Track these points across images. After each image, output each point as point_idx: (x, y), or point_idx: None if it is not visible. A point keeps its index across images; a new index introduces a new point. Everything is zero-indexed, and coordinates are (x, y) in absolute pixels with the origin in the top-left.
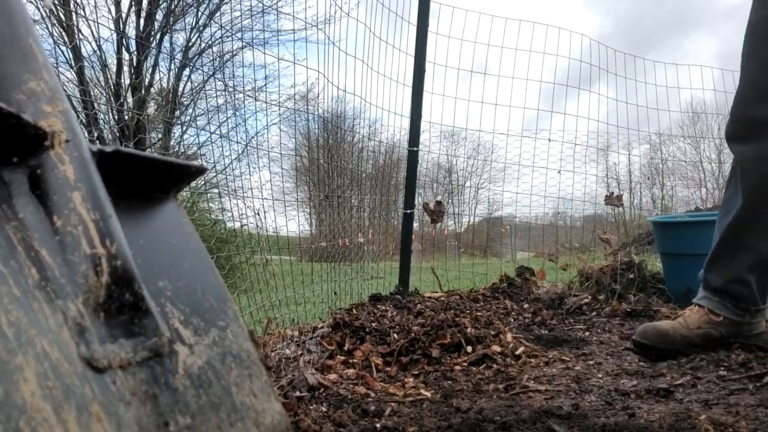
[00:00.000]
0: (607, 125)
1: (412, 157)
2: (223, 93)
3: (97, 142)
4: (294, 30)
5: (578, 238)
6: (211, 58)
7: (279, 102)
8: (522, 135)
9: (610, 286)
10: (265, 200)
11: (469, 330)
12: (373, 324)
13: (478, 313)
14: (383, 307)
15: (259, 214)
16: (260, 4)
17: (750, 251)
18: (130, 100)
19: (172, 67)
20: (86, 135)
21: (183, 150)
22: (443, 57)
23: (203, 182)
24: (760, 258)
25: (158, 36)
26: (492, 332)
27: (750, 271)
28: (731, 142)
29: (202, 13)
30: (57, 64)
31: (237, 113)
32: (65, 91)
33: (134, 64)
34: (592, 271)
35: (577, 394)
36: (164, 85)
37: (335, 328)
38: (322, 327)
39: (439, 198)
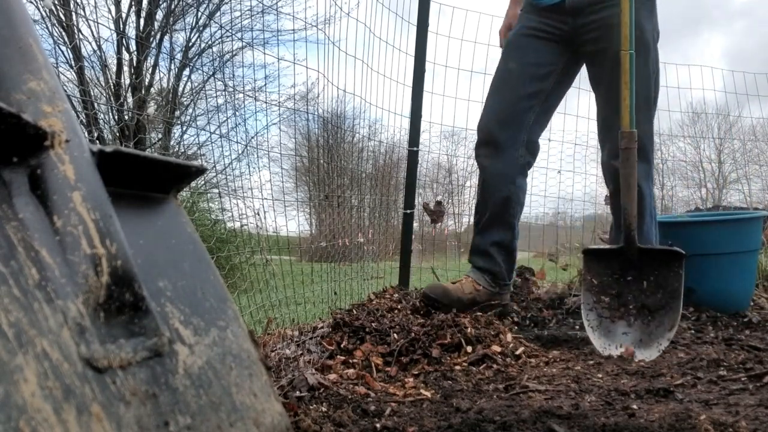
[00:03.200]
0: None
1: (412, 157)
2: (223, 93)
3: (97, 142)
4: (294, 30)
5: (578, 238)
6: (211, 58)
7: (279, 102)
8: None
9: None
10: (264, 200)
11: (469, 330)
12: (373, 324)
13: (478, 313)
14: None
15: (258, 214)
16: (260, 5)
17: (498, 241)
18: (130, 100)
19: (172, 67)
20: (86, 135)
21: (183, 150)
22: (443, 57)
23: (203, 182)
24: (503, 244)
25: (158, 36)
26: (492, 332)
27: (499, 255)
28: (480, 158)
29: (202, 14)
30: (57, 64)
31: (237, 113)
32: (65, 91)
33: (134, 64)
34: None
35: (577, 394)
36: (164, 85)
37: (335, 328)
38: (322, 327)
39: (439, 198)
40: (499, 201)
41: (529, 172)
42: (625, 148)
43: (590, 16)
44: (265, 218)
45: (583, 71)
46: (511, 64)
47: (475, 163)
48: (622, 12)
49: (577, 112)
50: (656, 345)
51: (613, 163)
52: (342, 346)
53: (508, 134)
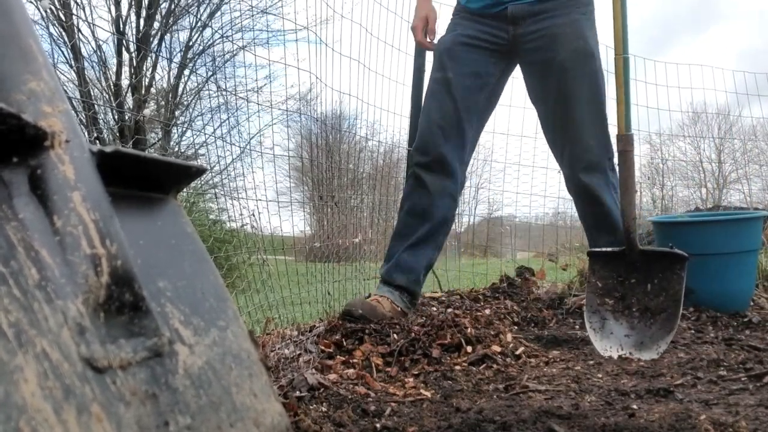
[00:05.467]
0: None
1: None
2: (217, 96)
3: (97, 142)
4: (284, 31)
5: (578, 238)
6: (205, 61)
7: (271, 103)
8: (522, 135)
9: None
10: (259, 201)
11: (469, 330)
12: (372, 324)
13: (478, 313)
14: None
15: (254, 215)
16: (253, 8)
17: (426, 260)
18: (129, 100)
19: (171, 68)
20: (86, 135)
21: (182, 151)
22: None
23: (201, 183)
24: (430, 264)
25: (157, 37)
26: (492, 332)
27: (423, 277)
28: (421, 170)
29: (199, 18)
30: (55, 63)
31: (233, 115)
32: (65, 91)
33: (134, 65)
34: None
35: (577, 394)
36: (163, 85)
37: (334, 328)
38: (320, 327)
39: None
40: (440, 220)
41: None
42: (622, 151)
43: (532, 26)
44: (259, 219)
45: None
46: (450, 73)
47: (475, 163)
48: (613, 18)
49: None
50: (656, 347)
51: (581, 177)
52: (341, 346)
53: (454, 150)
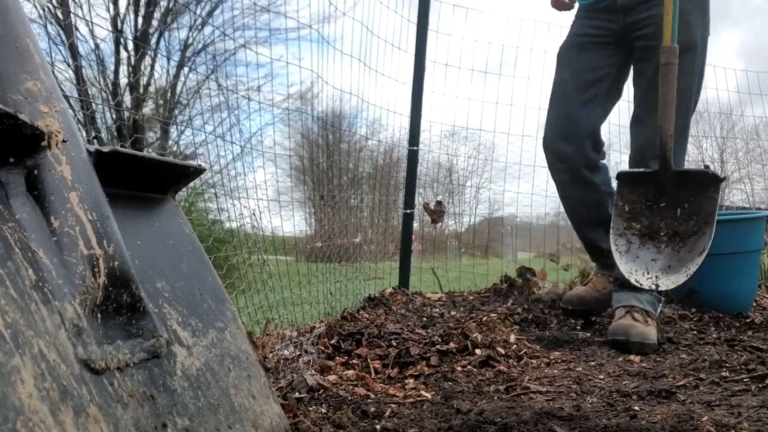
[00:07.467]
0: (609, 124)
1: (412, 157)
2: (218, 93)
3: (95, 141)
4: (287, 29)
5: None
6: (206, 58)
7: (273, 102)
8: (523, 134)
9: None
10: (260, 200)
11: (474, 335)
12: (374, 327)
13: (484, 318)
14: (380, 311)
15: (255, 214)
16: (255, 5)
17: (592, 237)
18: (127, 99)
19: (169, 66)
20: (84, 135)
21: (180, 150)
22: (444, 55)
23: (201, 182)
24: (593, 241)
25: (156, 35)
26: (494, 334)
27: (596, 246)
28: (551, 168)
29: (198, 15)
30: (53, 63)
31: (233, 113)
32: (63, 90)
33: (132, 63)
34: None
35: (579, 396)
36: (162, 84)
37: (332, 331)
38: (320, 327)
39: (439, 198)
40: (576, 207)
41: (601, 162)
42: (665, 64)
43: (642, 13)
44: (260, 219)
45: None
46: (565, 74)
47: (476, 163)
48: (665, 11)
49: None
50: (684, 270)
51: (651, 166)
52: (340, 349)
53: (573, 147)
